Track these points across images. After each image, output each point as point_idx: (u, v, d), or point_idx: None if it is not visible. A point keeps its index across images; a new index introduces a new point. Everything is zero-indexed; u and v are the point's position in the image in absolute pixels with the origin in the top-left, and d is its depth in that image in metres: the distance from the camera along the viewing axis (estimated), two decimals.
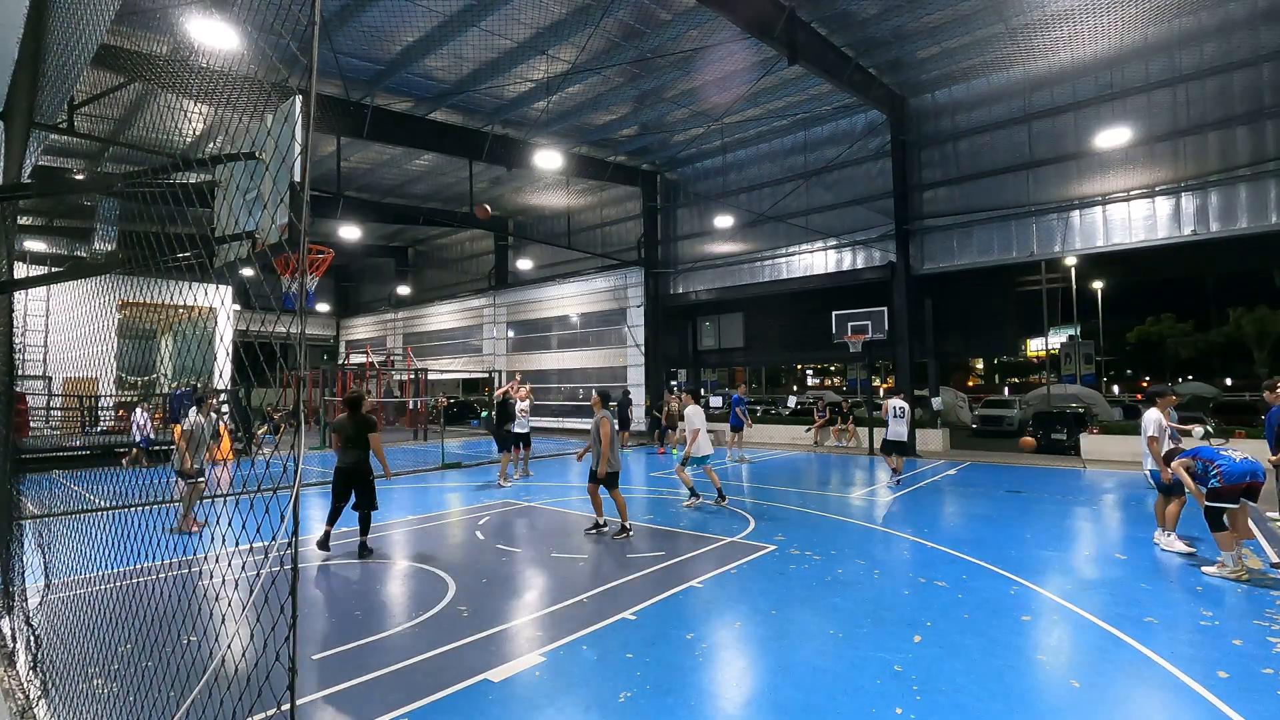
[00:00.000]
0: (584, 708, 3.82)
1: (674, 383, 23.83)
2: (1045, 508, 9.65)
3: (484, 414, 23.18)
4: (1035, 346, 54.41)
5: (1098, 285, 44.27)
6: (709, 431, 10.37)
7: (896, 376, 17.44)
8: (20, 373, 5.57)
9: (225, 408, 13.83)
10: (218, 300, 2.87)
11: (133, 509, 4.38)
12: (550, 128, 18.62)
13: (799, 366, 63.88)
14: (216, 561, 5.05)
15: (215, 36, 9.34)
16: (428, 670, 4.32)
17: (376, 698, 3.94)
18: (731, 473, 13.75)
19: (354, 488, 7.31)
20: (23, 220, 20.14)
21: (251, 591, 2.41)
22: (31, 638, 3.95)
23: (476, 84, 15.81)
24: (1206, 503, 6.16)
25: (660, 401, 20.14)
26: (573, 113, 17.74)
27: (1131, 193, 14.62)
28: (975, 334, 18.56)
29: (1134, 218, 14.63)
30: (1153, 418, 7.16)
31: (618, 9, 12.73)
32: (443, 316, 33.04)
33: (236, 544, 2.23)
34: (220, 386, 11.55)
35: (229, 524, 1.92)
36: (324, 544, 7.29)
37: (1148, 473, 7.38)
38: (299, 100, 2.03)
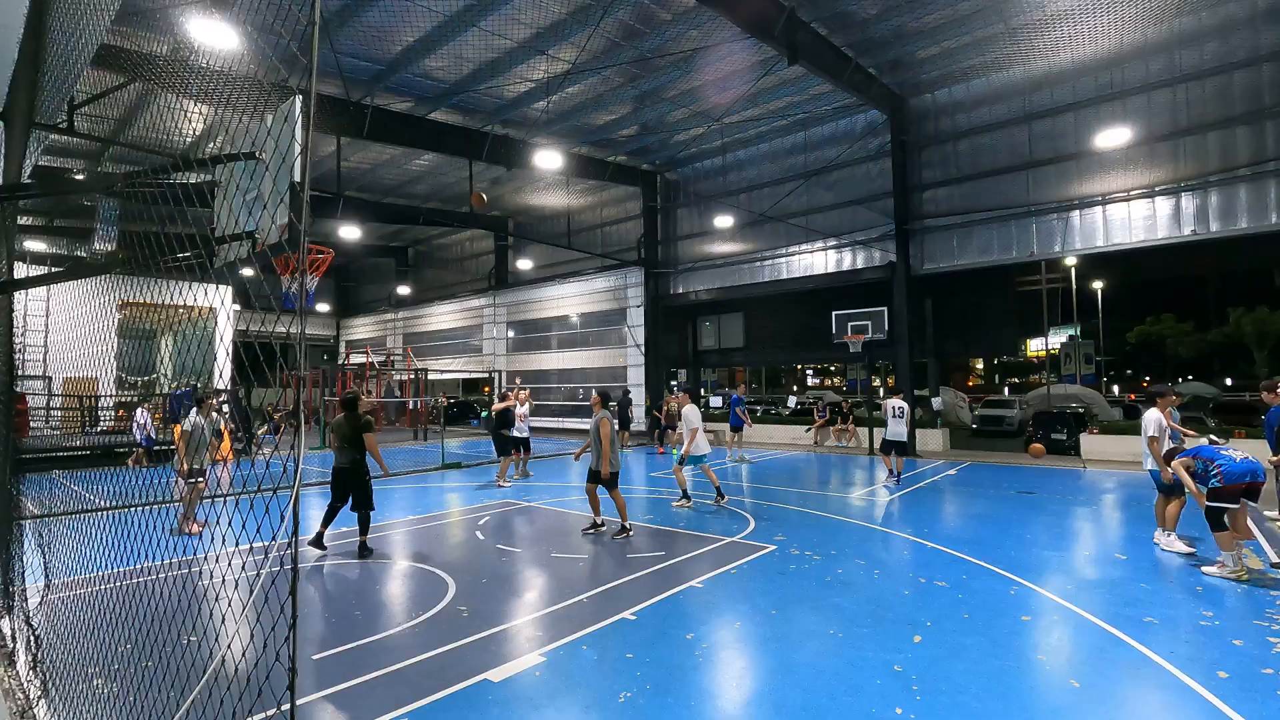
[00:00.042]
0: (584, 708, 3.82)
1: (674, 383, 23.83)
2: (1045, 508, 9.66)
3: (484, 414, 23.20)
4: (1035, 346, 54.42)
5: (1098, 285, 44.38)
6: (708, 431, 10.37)
7: (896, 376, 17.44)
8: (20, 373, 5.57)
9: (225, 408, 13.82)
10: (218, 300, 2.88)
11: (133, 509, 4.38)
12: (550, 128, 18.62)
13: (799, 366, 63.92)
14: (216, 561, 5.05)
15: (215, 36, 9.35)
16: (427, 670, 4.32)
17: (376, 698, 3.94)
18: (731, 473, 13.75)
19: (350, 488, 7.30)
20: (23, 220, 20.16)
21: (251, 591, 2.41)
22: (31, 638, 3.95)
23: (476, 84, 15.82)
24: (1207, 503, 6.16)
25: (660, 401, 20.15)
26: (573, 113, 17.74)
27: (1131, 193, 14.61)
28: (975, 334, 18.53)
29: (1134, 218, 14.62)
30: (1153, 417, 7.16)
31: (618, 9, 12.73)
32: (443, 316, 33.03)
33: (236, 544, 2.23)
34: (220, 386, 11.55)
35: (229, 524, 1.92)
36: (318, 543, 7.26)
37: (1149, 472, 7.38)
38: (299, 100, 2.04)
